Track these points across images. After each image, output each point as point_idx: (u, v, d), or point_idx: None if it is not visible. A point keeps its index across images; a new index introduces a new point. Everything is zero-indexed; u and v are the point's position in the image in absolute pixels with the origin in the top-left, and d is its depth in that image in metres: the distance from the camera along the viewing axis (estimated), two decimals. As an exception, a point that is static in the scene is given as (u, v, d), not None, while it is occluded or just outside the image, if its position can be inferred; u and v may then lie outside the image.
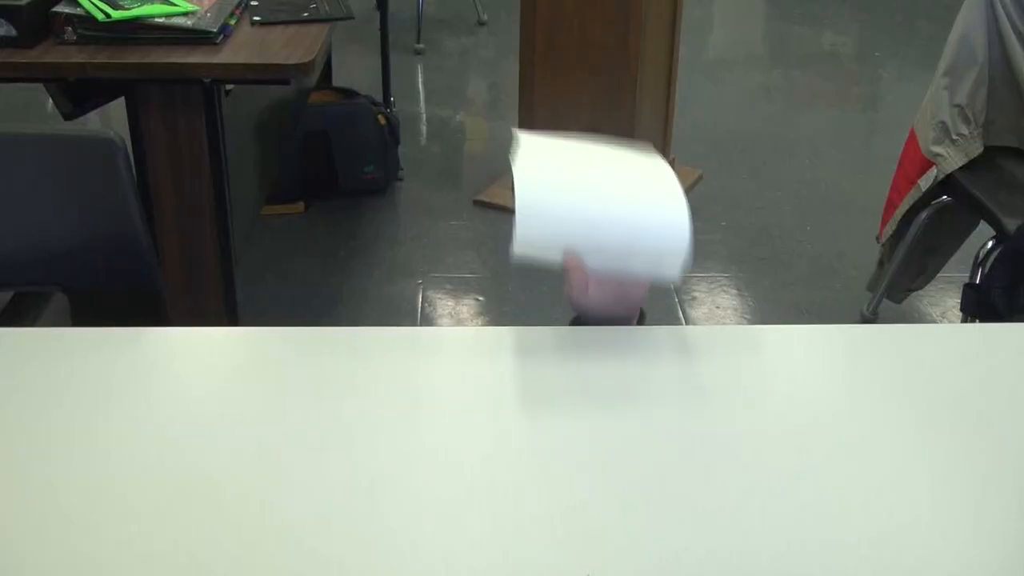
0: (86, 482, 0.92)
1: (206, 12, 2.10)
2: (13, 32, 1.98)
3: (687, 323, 2.76)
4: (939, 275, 2.71)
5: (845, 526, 0.88)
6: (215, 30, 2.03)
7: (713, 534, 0.87)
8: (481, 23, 4.98)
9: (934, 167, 2.37)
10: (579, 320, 1.14)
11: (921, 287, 2.74)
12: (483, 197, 3.34)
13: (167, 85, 2.02)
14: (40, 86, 2.56)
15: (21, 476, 0.92)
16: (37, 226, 1.44)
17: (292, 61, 2.01)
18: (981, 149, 2.33)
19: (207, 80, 2.00)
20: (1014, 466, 0.96)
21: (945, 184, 2.37)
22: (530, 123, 3.23)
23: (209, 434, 0.98)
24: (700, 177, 3.49)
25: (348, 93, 3.42)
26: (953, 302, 2.82)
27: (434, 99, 4.32)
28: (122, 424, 0.99)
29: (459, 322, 2.78)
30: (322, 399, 1.03)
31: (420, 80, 4.49)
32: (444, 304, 2.85)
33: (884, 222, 2.60)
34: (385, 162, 3.37)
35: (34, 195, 1.43)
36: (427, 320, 2.77)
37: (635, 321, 1.16)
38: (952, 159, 2.33)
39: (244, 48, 2.06)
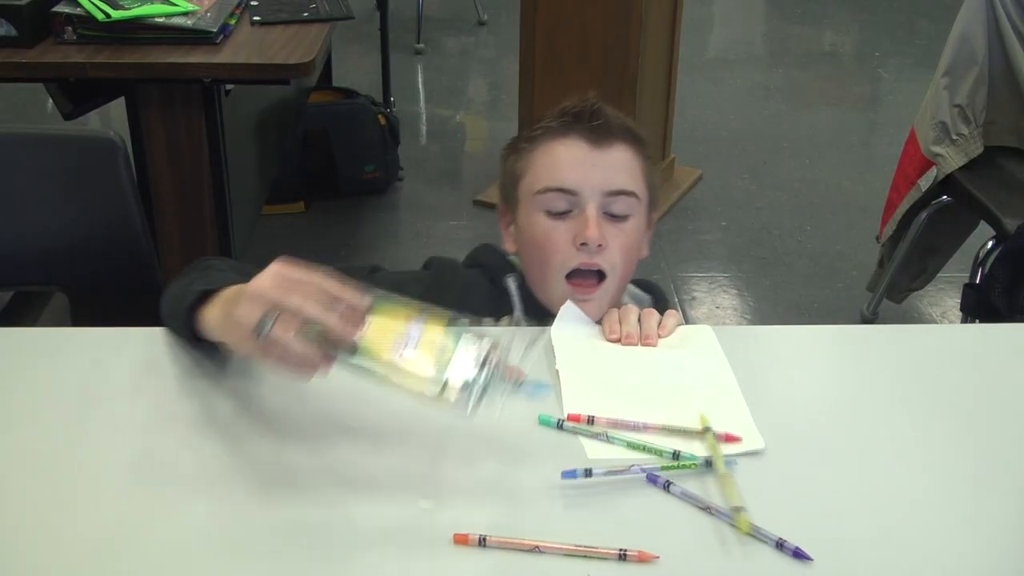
0: (86, 481, 0.92)
1: (206, 12, 2.10)
2: (13, 32, 1.98)
3: (687, 323, 2.75)
4: (939, 275, 2.71)
5: (845, 525, 0.88)
6: (215, 30, 2.03)
7: (712, 533, 0.87)
8: (481, 23, 4.98)
9: (934, 167, 2.36)
10: None
11: (921, 287, 2.74)
12: (483, 197, 3.33)
13: (167, 85, 2.02)
14: (40, 86, 2.55)
15: (21, 475, 0.92)
16: (37, 226, 1.44)
17: (292, 61, 2.01)
18: (981, 149, 2.33)
19: (207, 80, 2.00)
20: (1014, 466, 0.96)
21: (945, 184, 2.37)
22: (530, 123, 3.22)
23: (209, 433, 0.98)
24: (700, 177, 3.49)
25: (348, 93, 3.42)
26: (953, 302, 2.82)
27: (434, 99, 4.32)
28: (122, 423, 0.99)
29: (459, 322, 2.78)
30: (322, 398, 1.03)
31: (420, 80, 4.49)
32: (444, 304, 2.84)
33: (884, 222, 2.60)
34: (385, 162, 3.36)
35: (34, 195, 1.43)
36: (427, 320, 2.76)
37: None
38: (952, 159, 2.33)
39: (244, 48, 2.06)
